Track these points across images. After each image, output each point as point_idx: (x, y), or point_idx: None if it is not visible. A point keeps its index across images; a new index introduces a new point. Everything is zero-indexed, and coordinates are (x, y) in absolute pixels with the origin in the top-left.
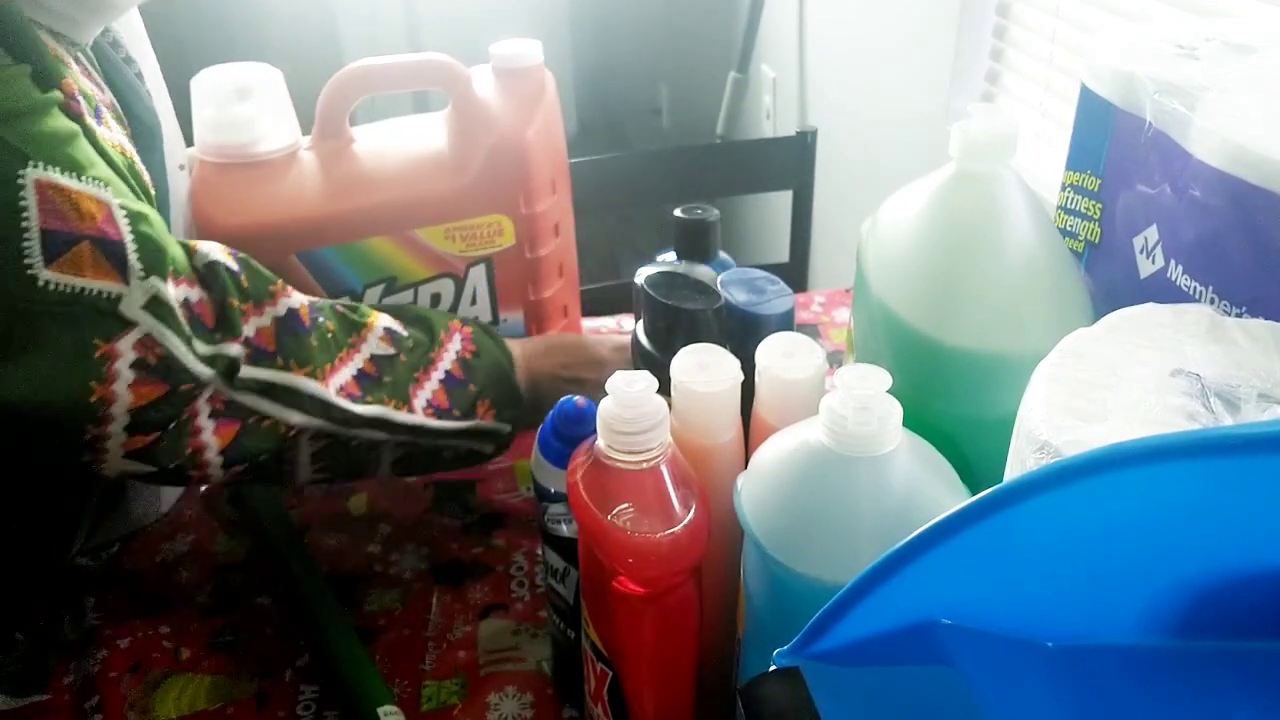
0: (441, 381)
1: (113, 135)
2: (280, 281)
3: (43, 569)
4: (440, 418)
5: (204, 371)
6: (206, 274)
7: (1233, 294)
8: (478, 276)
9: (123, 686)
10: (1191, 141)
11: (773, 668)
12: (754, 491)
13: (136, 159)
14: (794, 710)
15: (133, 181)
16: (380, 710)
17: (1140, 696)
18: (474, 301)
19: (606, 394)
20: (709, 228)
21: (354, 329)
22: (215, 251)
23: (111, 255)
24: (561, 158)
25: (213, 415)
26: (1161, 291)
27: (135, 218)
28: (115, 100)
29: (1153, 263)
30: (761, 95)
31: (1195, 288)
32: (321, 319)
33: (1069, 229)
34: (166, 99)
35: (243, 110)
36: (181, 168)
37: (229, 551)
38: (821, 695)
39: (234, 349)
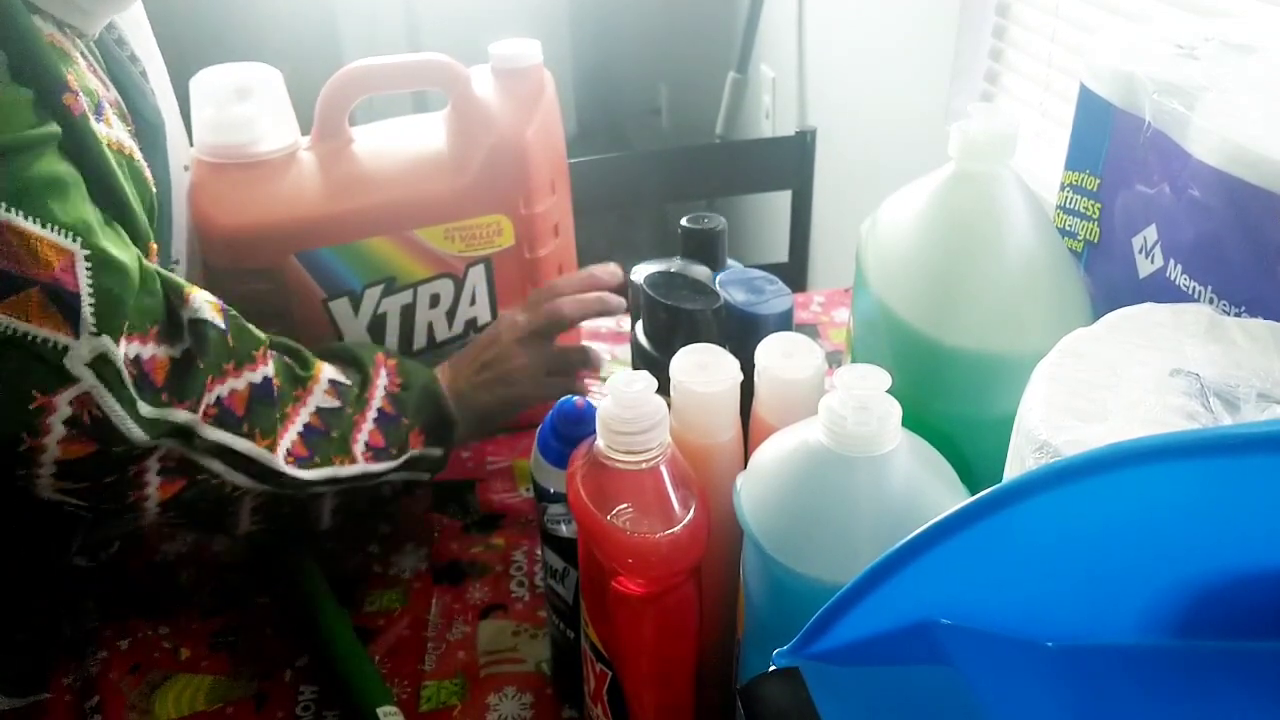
0: (375, 421)
1: (112, 133)
2: (264, 346)
3: (43, 569)
4: (379, 459)
5: (140, 437)
6: (188, 330)
7: (1232, 294)
8: (477, 277)
9: (123, 687)
10: (1191, 141)
11: (772, 668)
12: (753, 491)
13: (137, 155)
14: (794, 710)
15: (129, 182)
16: (380, 710)
17: (1140, 696)
18: (473, 302)
19: (538, 387)
20: (716, 237)
21: (299, 383)
22: (205, 309)
23: (63, 305)
24: (561, 158)
25: (161, 472)
26: (1161, 291)
27: (102, 267)
28: (120, 98)
29: (1152, 262)
30: (761, 95)
31: (1194, 287)
32: (274, 356)
33: (1068, 229)
34: (172, 99)
35: (242, 110)
36: (186, 168)
37: (229, 551)
38: (821, 695)
39: (181, 415)
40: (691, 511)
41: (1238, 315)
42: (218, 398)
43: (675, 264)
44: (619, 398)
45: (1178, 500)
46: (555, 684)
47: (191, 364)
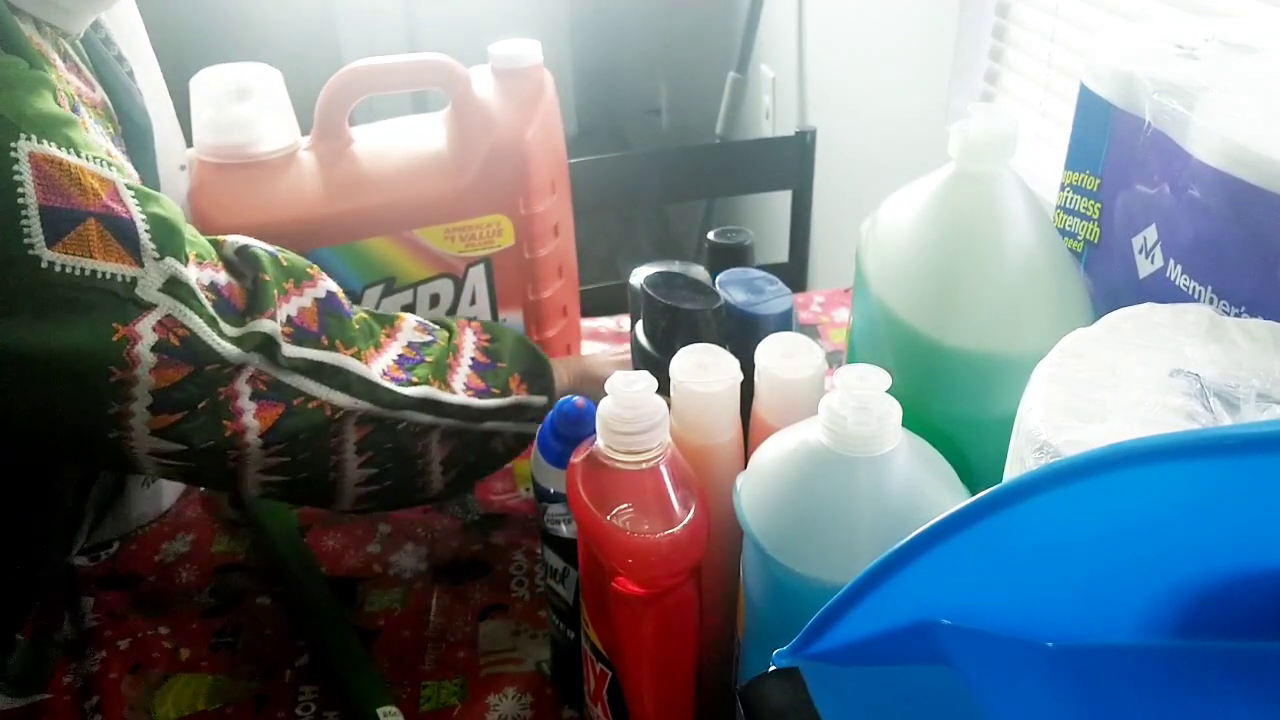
0: (471, 367)
1: (89, 136)
2: (316, 267)
3: (43, 569)
4: (481, 397)
5: (231, 351)
6: (238, 259)
7: (1232, 294)
8: (477, 277)
9: (123, 687)
10: (1190, 141)
11: (772, 668)
12: (753, 492)
13: (120, 159)
14: (794, 710)
15: None
16: (380, 710)
17: (1140, 696)
18: (473, 302)
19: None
20: (745, 251)
21: (387, 321)
22: (243, 239)
23: (122, 235)
24: (561, 158)
25: (254, 396)
26: (1160, 291)
27: (144, 198)
28: (107, 98)
29: (1152, 263)
30: (761, 95)
31: (1194, 287)
32: (357, 309)
33: (1068, 229)
34: (165, 99)
35: (242, 111)
36: (182, 168)
37: (229, 551)
38: (821, 695)
39: (267, 325)
40: (691, 511)
41: (1238, 315)
42: (288, 316)
43: (675, 264)
44: (619, 398)
45: (1178, 500)
46: (555, 684)
47: (258, 284)
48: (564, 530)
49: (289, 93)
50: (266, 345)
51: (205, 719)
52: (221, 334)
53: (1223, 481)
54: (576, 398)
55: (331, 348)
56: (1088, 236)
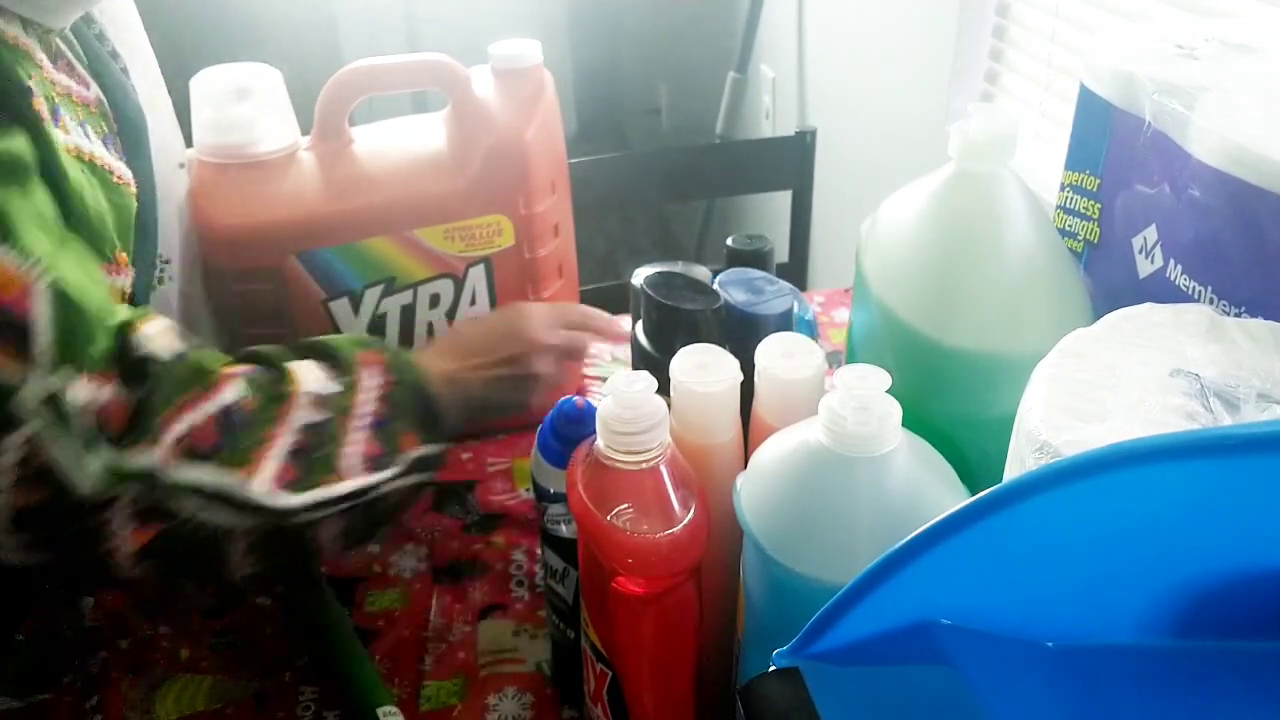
0: (369, 428)
1: (70, 139)
2: (223, 368)
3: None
4: (377, 468)
5: (97, 488)
6: (134, 367)
7: (1232, 294)
8: (477, 277)
9: (122, 687)
10: (1190, 141)
11: (772, 668)
12: (753, 492)
13: (103, 160)
14: (794, 710)
15: (96, 188)
16: (380, 710)
17: (1140, 696)
18: (473, 302)
19: (540, 399)
20: (764, 258)
21: (278, 400)
22: (156, 340)
23: (15, 336)
24: (561, 158)
25: (132, 518)
26: (1161, 291)
27: (61, 298)
28: (103, 95)
29: (1152, 262)
30: (761, 95)
31: (1194, 287)
32: (250, 394)
33: (1068, 229)
34: (164, 97)
35: (242, 110)
36: (181, 166)
37: None
38: (821, 695)
39: (145, 458)
40: (691, 511)
41: (1238, 315)
42: (182, 434)
43: (676, 264)
44: (619, 398)
45: (1177, 500)
46: (555, 684)
47: (147, 403)
48: (564, 530)
49: (289, 93)
50: (145, 477)
51: (205, 719)
52: (86, 470)
53: (1223, 481)
54: (577, 398)
55: (223, 469)
56: (1088, 236)
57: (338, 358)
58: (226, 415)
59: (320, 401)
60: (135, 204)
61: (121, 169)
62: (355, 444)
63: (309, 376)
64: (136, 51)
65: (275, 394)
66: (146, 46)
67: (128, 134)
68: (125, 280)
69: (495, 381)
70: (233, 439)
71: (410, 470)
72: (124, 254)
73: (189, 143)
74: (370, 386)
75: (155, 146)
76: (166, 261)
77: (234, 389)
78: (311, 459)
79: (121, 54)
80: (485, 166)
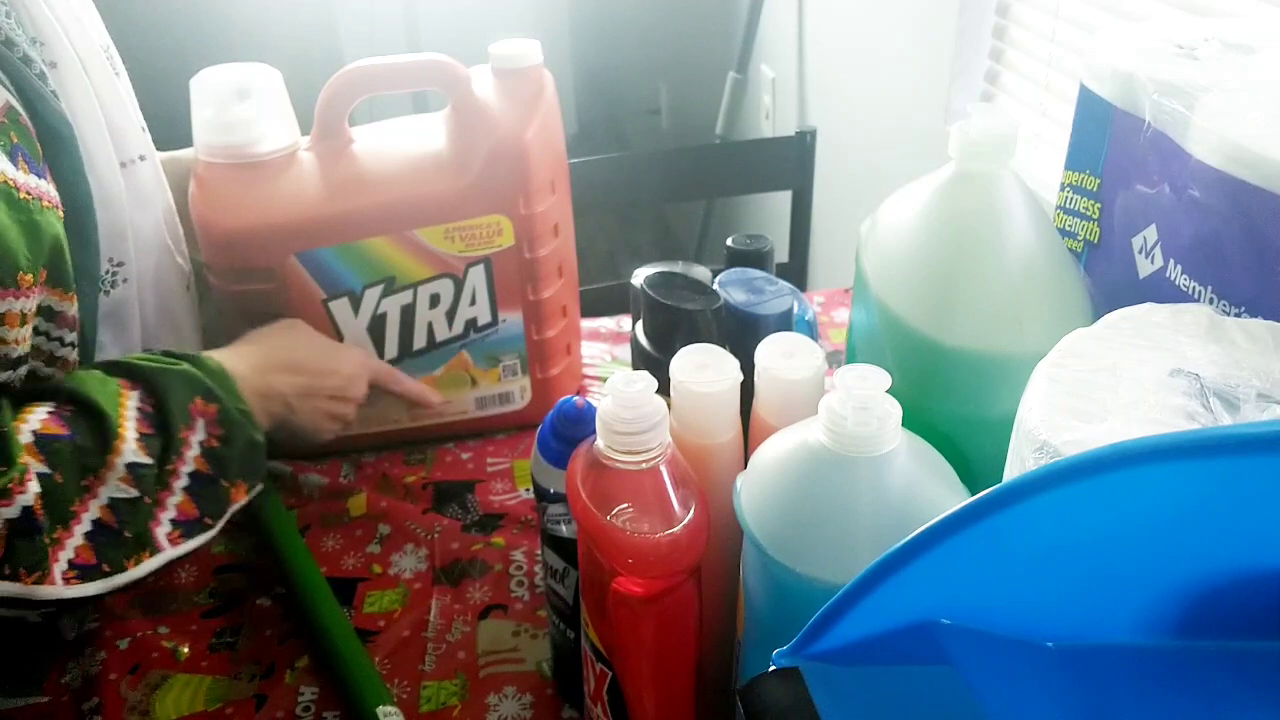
0: (187, 489)
1: None
2: (20, 469)
3: None
4: (190, 535)
5: None
6: None
7: (1231, 294)
8: (477, 276)
9: (122, 688)
10: (1190, 141)
11: (772, 668)
12: (753, 492)
13: (8, 176)
14: (794, 710)
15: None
16: (380, 710)
17: (1140, 696)
18: (473, 302)
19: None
20: (764, 258)
21: (87, 472)
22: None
23: None
24: (561, 158)
25: None
26: (1160, 291)
27: None
28: (14, 101)
29: (1152, 262)
30: (761, 95)
31: (1194, 287)
32: (44, 490)
33: (1068, 229)
34: (110, 88)
35: (242, 111)
36: (142, 159)
37: (229, 551)
38: (821, 695)
39: None
40: (691, 511)
41: (1238, 315)
42: None
43: (676, 264)
44: (619, 398)
45: (1178, 500)
46: (556, 684)
47: None
48: (564, 530)
49: (289, 93)
50: None
51: (205, 719)
52: None
53: (1223, 481)
54: (577, 398)
55: (11, 579)
56: (1088, 236)
57: (167, 407)
58: (16, 524)
59: (134, 477)
60: (58, 219)
61: (34, 184)
62: (171, 510)
63: (129, 439)
64: (62, 56)
65: (87, 466)
66: (82, 46)
67: (49, 141)
68: (26, 302)
69: (312, 410)
70: (23, 546)
71: (227, 516)
72: (29, 275)
73: (186, 143)
74: (197, 443)
75: (93, 148)
76: (120, 264)
77: (28, 491)
78: (118, 538)
79: (36, 59)
80: (485, 166)
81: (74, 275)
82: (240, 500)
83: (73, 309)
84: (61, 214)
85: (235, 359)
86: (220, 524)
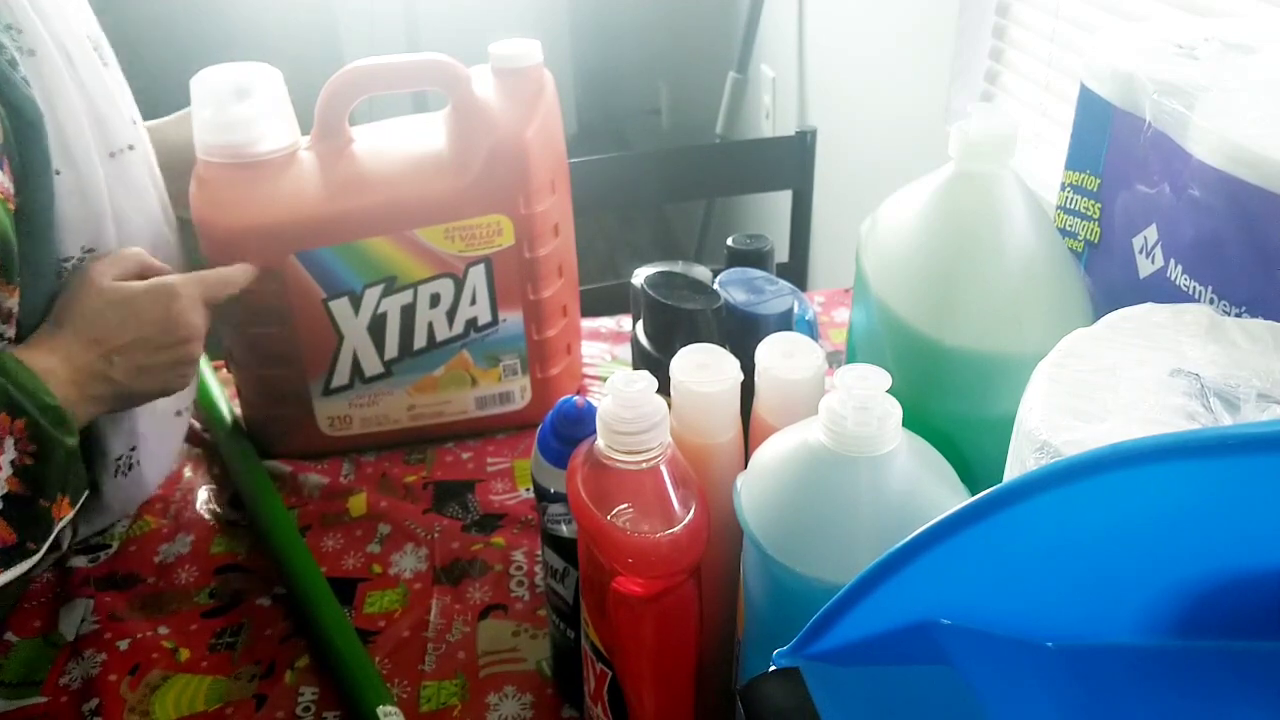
0: (1, 514)
1: None
2: None
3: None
4: (9, 564)
5: None
6: None
7: (1232, 294)
8: (477, 276)
9: (122, 688)
10: (1191, 141)
11: (772, 668)
12: (754, 492)
13: None
14: (794, 710)
15: None
16: (380, 710)
17: (1140, 696)
18: (473, 301)
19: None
20: (764, 258)
21: None
22: None
23: None
24: (561, 158)
25: None
26: (1161, 291)
27: None
28: None
29: (1152, 262)
30: (761, 95)
31: (1194, 287)
32: None
33: (1068, 229)
34: (96, 78)
35: (242, 110)
36: (132, 148)
37: (229, 552)
38: (821, 695)
39: None
40: (691, 511)
41: (1238, 315)
42: None
43: (676, 264)
44: (619, 398)
45: (1178, 500)
46: (556, 684)
47: None
48: (564, 530)
49: (289, 93)
50: None
51: (205, 719)
52: None
53: (1223, 481)
54: (577, 398)
55: None
56: (1088, 236)
57: None
58: None
59: None
60: (6, 211)
61: None
62: None
63: None
64: (37, 42)
65: None
66: (67, 27)
67: (19, 128)
68: None
69: (142, 373)
70: None
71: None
72: None
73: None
74: (8, 463)
75: (70, 136)
76: (90, 250)
77: None
78: None
79: (8, 45)
80: (485, 166)
81: (18, 267)
82: (66, 515)
83: (9, 301)
84: (13, 206)
85: (41, 353)
86: (45, 546)
